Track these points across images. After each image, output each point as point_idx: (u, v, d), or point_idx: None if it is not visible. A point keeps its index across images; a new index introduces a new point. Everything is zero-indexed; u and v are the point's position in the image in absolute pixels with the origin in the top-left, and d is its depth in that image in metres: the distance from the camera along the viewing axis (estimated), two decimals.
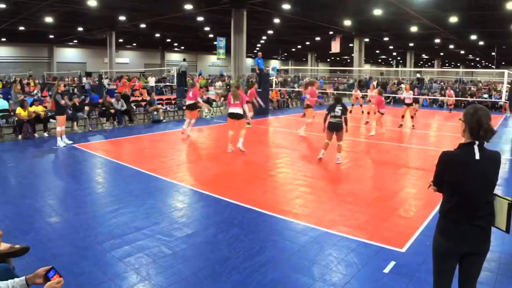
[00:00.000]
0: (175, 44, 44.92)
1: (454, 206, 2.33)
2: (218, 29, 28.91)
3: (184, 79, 19.16)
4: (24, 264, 3.18)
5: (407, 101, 13.73)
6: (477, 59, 50.03)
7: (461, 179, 2.27)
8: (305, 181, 6.51)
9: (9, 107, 11.58)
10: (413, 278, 3.44)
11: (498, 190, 5.73)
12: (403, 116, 13.48)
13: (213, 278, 3.43)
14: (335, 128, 7.61)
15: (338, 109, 7.53)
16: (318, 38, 34.14)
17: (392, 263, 3.68)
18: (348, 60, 50.87)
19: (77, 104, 12.34)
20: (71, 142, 9.47)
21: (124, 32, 33.24)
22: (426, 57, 50.90)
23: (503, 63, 45.51)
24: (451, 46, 36.45)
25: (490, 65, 48.51)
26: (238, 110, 8.32)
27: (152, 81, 27.65)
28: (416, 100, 15.46)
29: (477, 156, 2.25)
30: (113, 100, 12.66)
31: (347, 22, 24.82)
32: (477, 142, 2.26)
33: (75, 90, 21.26)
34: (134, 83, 28.28)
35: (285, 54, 54.16)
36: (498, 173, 2.36)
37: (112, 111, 12.35)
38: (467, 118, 2.29)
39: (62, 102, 9.30)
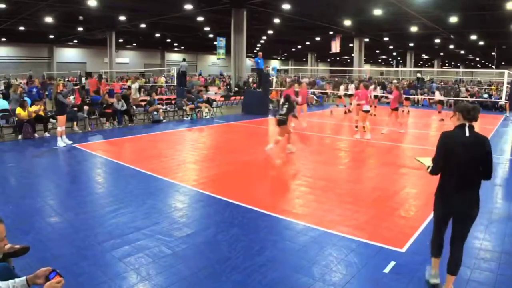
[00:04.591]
0: (175, 44, 44.95)
1: (448, 179, 3.07)
2: (218, 29, 28.93)
3: (184, 79, 19.15)
4: (24, 264, 3.18)
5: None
6: (477, 59, 50.03)
7: (455, 149, 2.99)
8: (305, 181, 6.51)
9: (9, 107, 11.57)
10: (413, 278, 3.44)
11: (499, 191, 5.73)
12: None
13: (213, 278, 3.43)
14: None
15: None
16: (318, 38, 34.17)
17: (392, 263, 3.68)
18: (348, 60, 50.88)
19: (78, 104, 12.36)
20: (71, 142, 9.46)
21: (124, 32, 33.27)
22: (426, 57, 50.93)
23: (503, 63, 45.52)
24: (451, 46, 36.48)
25: (490, 65, 48.51)
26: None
27: (162, 81, 27.96)
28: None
29: (467, 134, 2.99)
30: (113, 100, 12.66)
31: (347, 22, 24.84)
32: (467, 124, 3.01)
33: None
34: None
35: (285, 54, 54.19)
36: (486, 152, 2.95)
37: (109, 110, 12.34)
38: (459, 107, 3.11)
39: (70, 99, 9.35)
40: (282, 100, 9.11)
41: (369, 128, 10.57)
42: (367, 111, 10.52)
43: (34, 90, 17.03)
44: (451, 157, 2.99)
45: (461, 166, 2.96)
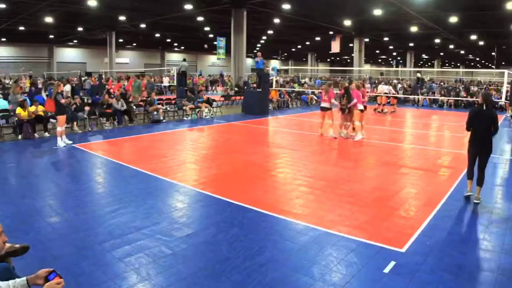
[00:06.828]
0: (175, 44, 44.96)
1: (474, 133, 5.48)
2: (218, 29, 28.92)
3: (184, 79, 19.14)
4: (24, 264, 3.18)
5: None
6: (477, 59, 50.04)
7: (476, 119, 5.44)
8: (305, 181, 6.51)
9: (9, 107, 11.56)
10: (413, 278, 3.44)
11: (499, 191, 5.78)
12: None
13: (213, 278, 3.43)
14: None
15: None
16: (318, 38, 34.18)
17: (392, 263, 3.68)
18: (348, 60, 50.88)
19: (78, 104, 12.34)
20: (71, 142, 9.46)
21: (124, 32, 33.29)
22: (426, 57, 50.92)
23: (503, 63, 45.51)
24: (451, 46, 36.50)
25: (490, 65, 48.51)
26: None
27: (165, 81, 27.84)
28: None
29: (484, 108, 5.41)
30: (113, 100, 12.65)
31: (347, 22, 24.85)
32: (485, 105, 5.42)
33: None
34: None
35: (285, 54, 54.19)
36: (493, 121, 5.33)
37: (109, 110, 12.33)
38: (481, 94, 5.81)
39: (63, 101, 9.35)
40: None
41: (359, 128, 10.60)
42: (362, 110, 10.63)
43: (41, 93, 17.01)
44: (475, 123, 5.42)
45: (480, 127, 5.38)
